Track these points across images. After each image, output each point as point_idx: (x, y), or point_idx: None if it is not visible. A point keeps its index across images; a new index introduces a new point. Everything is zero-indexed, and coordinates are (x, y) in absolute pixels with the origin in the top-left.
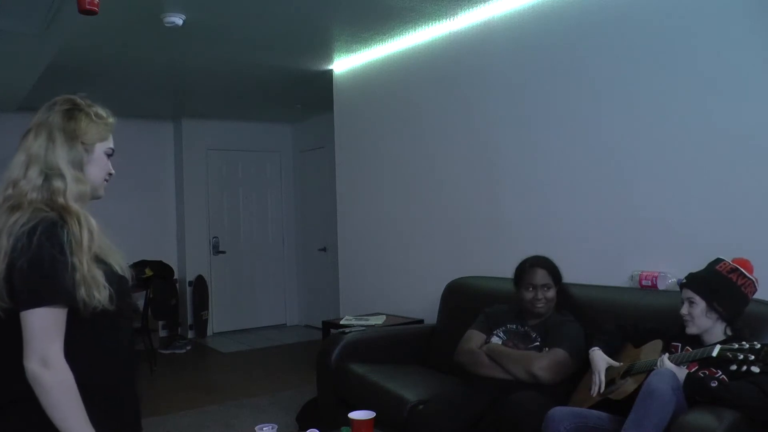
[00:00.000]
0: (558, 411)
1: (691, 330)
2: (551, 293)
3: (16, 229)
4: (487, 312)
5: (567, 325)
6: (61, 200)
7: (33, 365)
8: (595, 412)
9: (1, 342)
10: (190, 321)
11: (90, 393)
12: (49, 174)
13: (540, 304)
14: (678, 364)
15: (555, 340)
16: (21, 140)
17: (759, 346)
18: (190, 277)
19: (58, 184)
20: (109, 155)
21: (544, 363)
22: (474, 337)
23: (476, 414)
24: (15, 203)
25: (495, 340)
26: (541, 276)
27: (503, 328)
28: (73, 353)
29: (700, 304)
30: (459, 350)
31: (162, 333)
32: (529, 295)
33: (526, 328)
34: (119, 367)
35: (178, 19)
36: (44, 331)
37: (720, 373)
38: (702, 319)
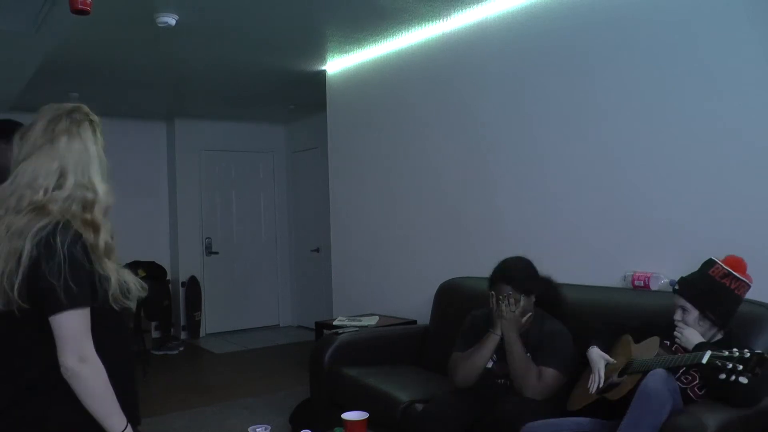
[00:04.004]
0: (531, 426)
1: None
2: (519, 305)
3: (41, 233)
4: (465, 330)
5: (557, 338)
6: (87, 215)
7: (71, 362)
8: (571, 419)
9: (14, 337)
10: (182, 322)
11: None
12: (83, 186)
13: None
14: (667, 368)
15: (545, 357)
16: (44, 143)
17: (749, 354)
18: (183, 277)
19: (90, 196)
20: None
21: (536, 391)
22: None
23: (470, 420)
24: (39, 205)
25: None
26: (502, 289)
27: None
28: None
29: (693, 313)
30: (452, 376)
31: (154, 334)
32: (492, 300)
33: None
34: (121, 364)
35: (171, 20)
36: (79, 331)
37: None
38: (696, 327)
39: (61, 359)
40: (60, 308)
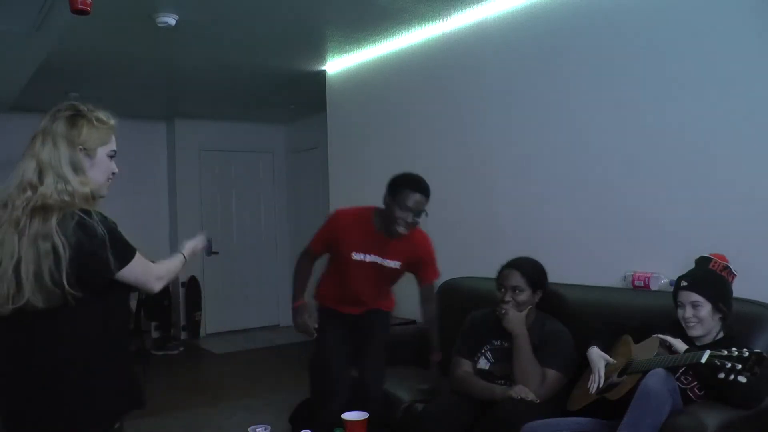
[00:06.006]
0: (531, 426)
1: (696, 332)
2: (523, 296)
3: (69, 224)
4: (465, 331)
5: (558, 338)
6: (78, 202)
7: (155, 286)
8: (571, 419)
9: (68, 322)
10: (183, 322)
11: (120, 357)
12: (62, 180)
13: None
14: (666, 368)
15: (547, 357)
16: (29, 144)
17: (747, 354)
18: (183, 277)
19: (69, 188)
20: (111, 157)
21: (540, 391)
22: (462, 365)
23: (470, 420)
24: (39, 205)
25: (482, 363)
26: (511, 277)
27: (489, 346)
28: (109, 320)
29: (706, 307)
30: (452, 378)
31: (155, 334)
32: (499, 296)
33: (510, 344)
34: (125, 341)
35: (171, 20)
36: (143, 270)
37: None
38: (709, 321)
39: (148, 291)
40: (121, 264)
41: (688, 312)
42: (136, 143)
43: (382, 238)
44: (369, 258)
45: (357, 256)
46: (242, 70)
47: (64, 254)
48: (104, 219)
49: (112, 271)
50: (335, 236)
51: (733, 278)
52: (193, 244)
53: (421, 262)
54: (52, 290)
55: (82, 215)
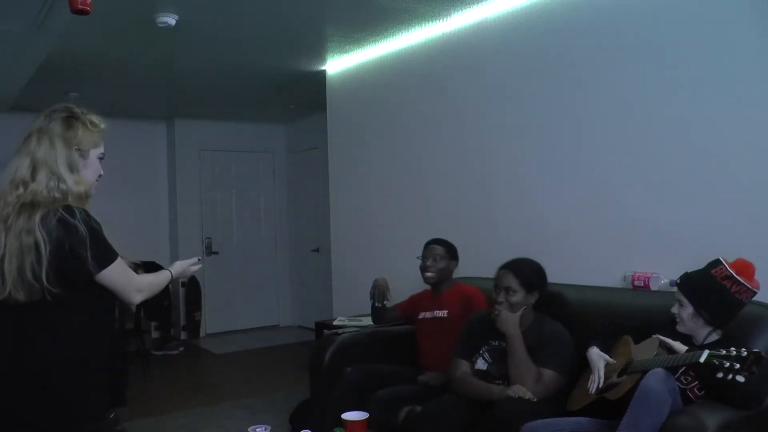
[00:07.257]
0: (531, 426)
1: (680, 329)
2: (516, 298)
3: (51, 220)
4: (464, 333)
5: (557, 338)
6: (69, 201)
7: (135, 298)
8: (571, 419)
9: (51, 319)
10: (182, 322)
11: (109, 355)
12: (56, 178)
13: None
14: (665, 367)
15: (545, 357)
16: (23, 143)
17: (746, 353)
18: (183, 278)
19: (63, 186)
20: (100, 159)
21: (536, 390)
22: (460, 366)
23: (469, 420)
24: (28, 201)
25: (480, 363)
26: (504, 278)
27: (486, 347)
28: (97, 323)
29: (688, 309)
30: (451, 379)
31: (154, 334)
32: (493, 297)
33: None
34: (113, 336)
35: (171, 20)
36: (123, 276)
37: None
38: (689, 323)
39: (127, 301)
40: (99, 267)
41: (675, 309)
42: (136, 143)
43: (433, 295)
44: (427, 314)
45: (421, 315)
46: (242, 70)
47: (45, 250)
48: (88, 218)
49: (91, 271)
50: (413, 308)
51: (738, 289)
52: (184, 265)
53: (475, 306)
54: (32, 284)
55: (64, 213)
